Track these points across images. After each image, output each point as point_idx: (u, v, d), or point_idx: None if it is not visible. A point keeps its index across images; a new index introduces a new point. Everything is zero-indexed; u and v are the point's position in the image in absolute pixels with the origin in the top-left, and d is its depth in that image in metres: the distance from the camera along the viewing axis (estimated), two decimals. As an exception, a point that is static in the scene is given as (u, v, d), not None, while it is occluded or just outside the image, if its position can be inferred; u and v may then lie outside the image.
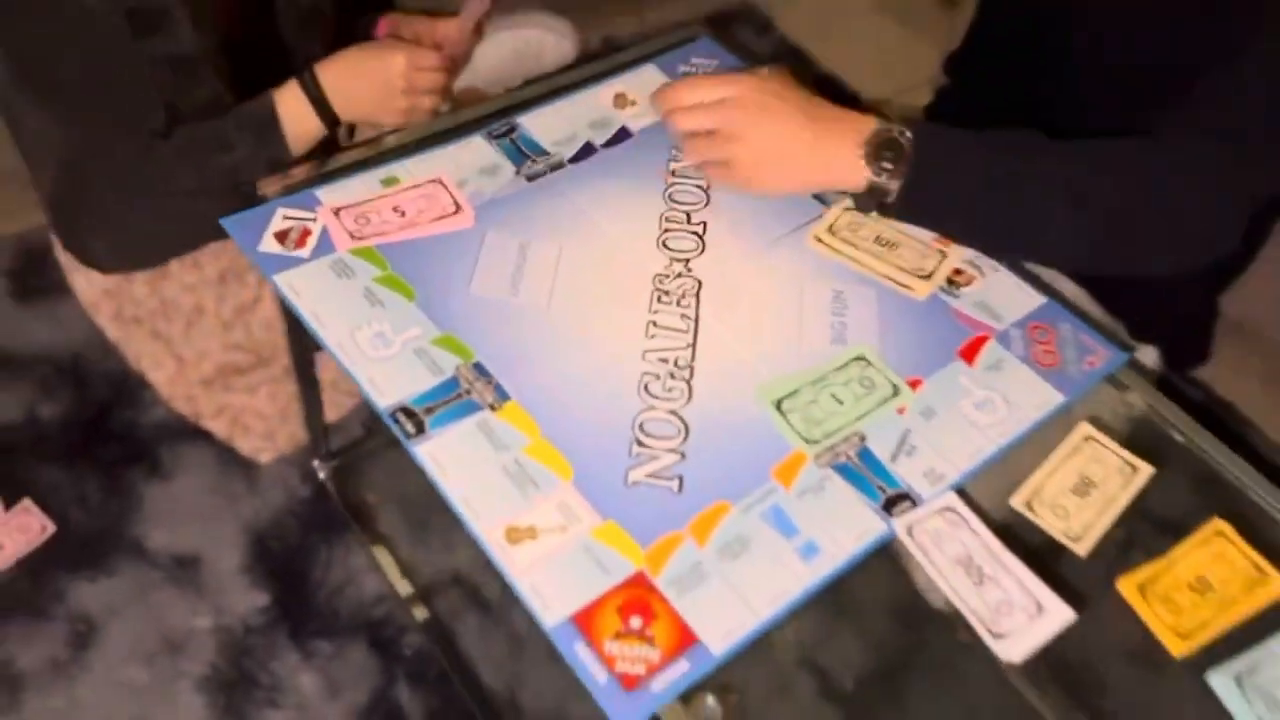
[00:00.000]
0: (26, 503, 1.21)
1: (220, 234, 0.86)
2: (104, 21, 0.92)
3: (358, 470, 1.27)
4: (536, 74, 1.83)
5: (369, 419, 1.31)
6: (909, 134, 0.82)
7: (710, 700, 0.66)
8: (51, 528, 1.19)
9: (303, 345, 1.08)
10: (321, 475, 1.25)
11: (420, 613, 1.16)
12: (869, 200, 0.85)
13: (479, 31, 1.17)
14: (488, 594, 1.18)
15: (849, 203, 0.91)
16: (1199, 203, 0.83)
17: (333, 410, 1.27)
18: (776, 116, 0.84)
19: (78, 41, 0.94)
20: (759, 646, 0.67)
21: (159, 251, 1.13)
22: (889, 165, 0.82)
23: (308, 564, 1.19)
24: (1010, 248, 0.88)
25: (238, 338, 1.24)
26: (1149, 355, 1.15)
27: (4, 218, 1.49)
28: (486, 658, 1.13)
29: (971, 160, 0.83)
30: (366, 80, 1.02)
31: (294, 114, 0.99)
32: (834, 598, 0.72)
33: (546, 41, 1.81)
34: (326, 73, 1.00)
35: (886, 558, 0.73)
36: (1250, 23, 0.84)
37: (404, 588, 1.17)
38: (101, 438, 1.27)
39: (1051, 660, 0.69)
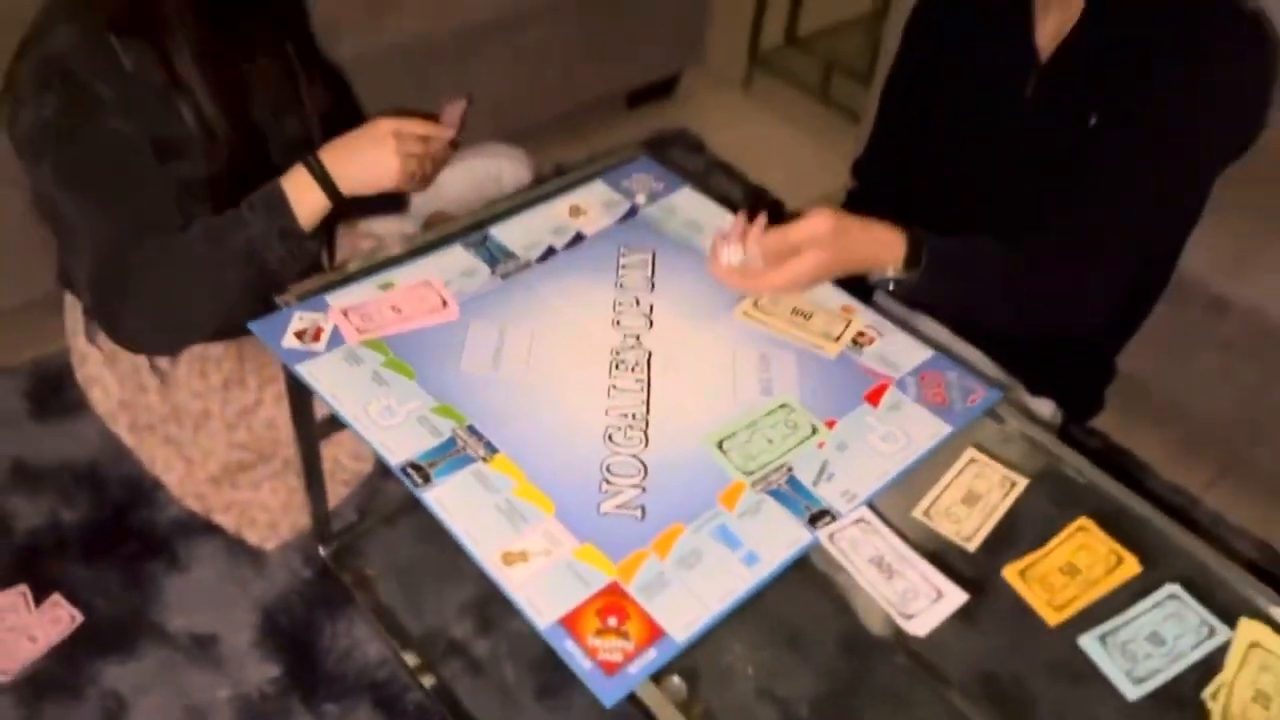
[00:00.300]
0: (56, 597, 1.33)
1: (246, 311, 1.03)
2: (135, 144, 1.10)
3: (355, 549, 1.41)
4: (497, 196, 2.04)
5: (362, 503, 1.46)
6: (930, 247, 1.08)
7: (676, 679, 0.81)
8: (80, 618, 1.32)
9: (309, 438, 1.23)
10: (324, 554, 1.39)
11: (420, 671, 1.28)
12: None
13: (455, 144, 1.33)
14: (478, 651, 1.31)
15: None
16: (1086, 285, 1.06)
17: (331, 497, 1.41)
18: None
19: (113, 155, 1.10)
20: (722, 680, 0.82)
21: (193, 329, 1.19)
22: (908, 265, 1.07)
23: (314, 636, 1.32)
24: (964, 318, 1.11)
25: (241, 438, 1.39)
26: (1046, 407, 1.34)
27: (21, 346, 1.64)
28: (481, 707, 1.26)
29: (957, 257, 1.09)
30: (360, 150, 1.13)
31: (300, 191, 1.11)
32: (789, 635, 0.87)
33: (505, 168, 2.03)
34: (326, 153, 1.13)
35: (834, 596, 0.89)
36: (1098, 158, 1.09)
37: (403, 651, 1.30)
38: (121, 535, 1.41)
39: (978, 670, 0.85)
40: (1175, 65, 1.06)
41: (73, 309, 1.39)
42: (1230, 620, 0.87)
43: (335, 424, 1.25)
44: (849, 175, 1.46)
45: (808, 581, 0.89)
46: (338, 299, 1.06)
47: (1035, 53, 1.17)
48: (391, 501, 1.47)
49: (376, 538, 1.42)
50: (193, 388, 1.36)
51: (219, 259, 1.09)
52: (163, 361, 1.36)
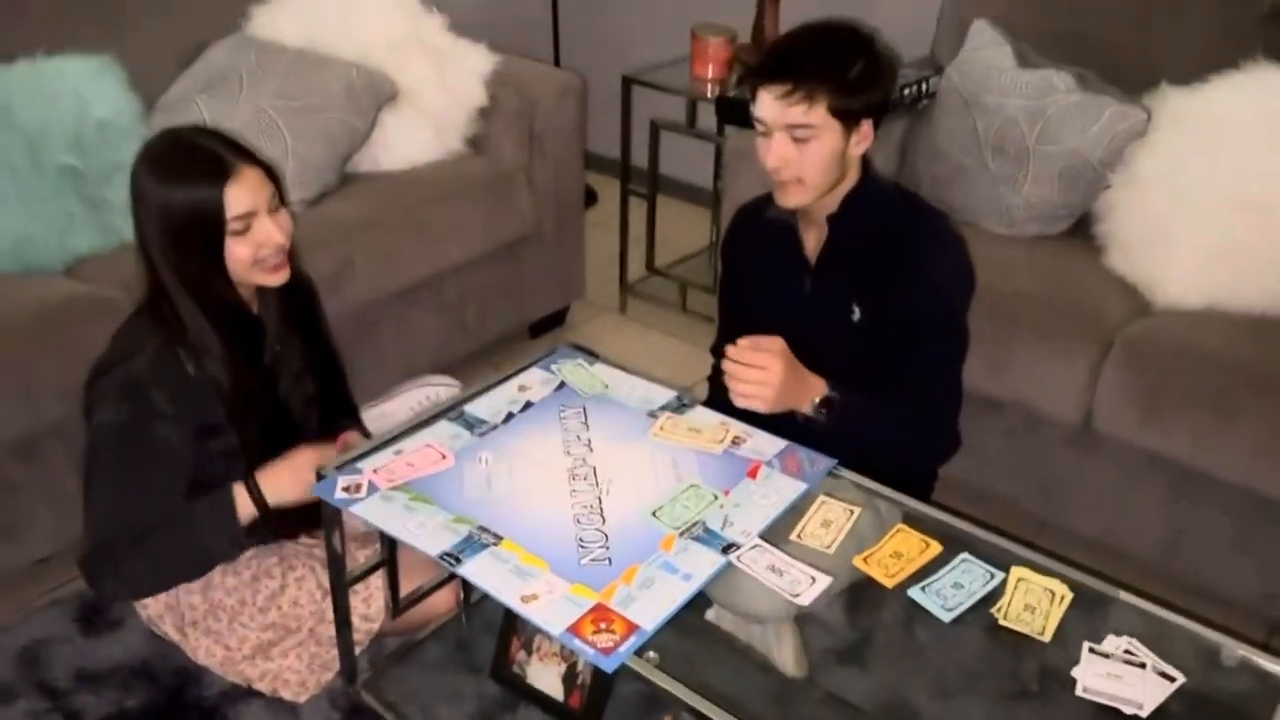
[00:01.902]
0: (130, 766, 1.61)
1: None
2: (174, 451, 1.56)
3: (376, 684, 1.74)
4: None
5: (374, 656, 1.79)
6: (835, 397, 1.54)
7: (651, 653, 1.21)
8: (154, 779, 1.60)
9: (341, 588, 1.60)
10: (354, 688, 1.71)
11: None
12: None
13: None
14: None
15: (671, 411, 1.57)
16: (941, 431, 1.59)
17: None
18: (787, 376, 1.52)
19: (152, 461, 1.55)
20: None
21: (154, 589, 1.68)
22: (823, 409, 1.54)
23: (351, 763, 1.63)
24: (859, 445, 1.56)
25: (272, 618, 1.73)
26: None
27: (69, 583, 1.96)
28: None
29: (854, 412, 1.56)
30: (286, 475, 1.61)
31: (243, 504, 1.60)
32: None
33: (441, 394, 2.48)
34: (263, 477, 1.60)
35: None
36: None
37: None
38: (179, 711, 1.70)
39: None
40: (906, 269, 1.60)
41: None
42: (1004, 569, 1.33)
43: (359, 577, 1.63)
44: (711, 355, 1.97)
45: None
46: (367, 464, 1.47)
47: (807, 260, 1.72)
48: (395, 650, 1.81)
49: (391, 675, 1.76)
50: (227, 585, 1.72)
51: (178, 549, 1.58)
52: None
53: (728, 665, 1.68)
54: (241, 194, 1.51)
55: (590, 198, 3.63)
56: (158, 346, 1.54)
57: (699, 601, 1.43)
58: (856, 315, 1.67)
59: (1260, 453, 1.75)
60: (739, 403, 1.53)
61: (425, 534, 1.35)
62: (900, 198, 1.72)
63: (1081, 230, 2.23)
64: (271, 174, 1.57)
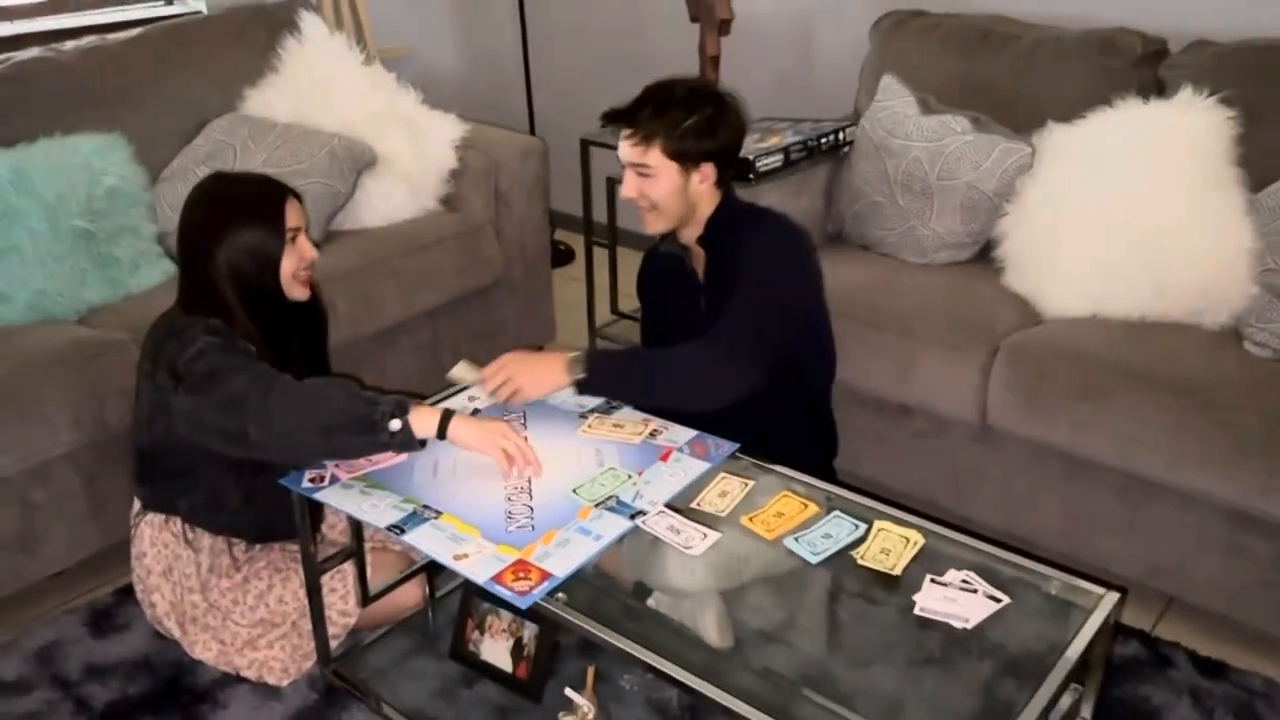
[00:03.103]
0: (132, 741, 1.83)
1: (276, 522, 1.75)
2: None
3: (348, 666, 1.95)
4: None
5: (349, 646, 2.01)
6: (585, 354, 1.78)
7: (561, 595, 1.43)
8: (152, 750, 1.81)
9: (314, 575, 1.83)
10: (332, 669, 1.93)
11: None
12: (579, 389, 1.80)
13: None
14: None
15: (598, 413, 1.82)
16: (722, 374, 1.80)
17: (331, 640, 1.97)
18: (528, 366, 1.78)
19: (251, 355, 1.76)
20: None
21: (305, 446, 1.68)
22: (580, 373, 1.77)
23: (327, 736, 1.84)
24: (640, 403, 1.81)
25: (260, 615, 1.95)
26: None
27: (80, 592, 2.20)
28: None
29: (617, 365, 1.80)
30: (483, 425, 1.68)
31: (424, 415, 1.65)
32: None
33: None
34: (457, 416, 1.67)
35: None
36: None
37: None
38: (176, 695, 1.92)
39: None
40: (741, 253, 1.87)
41: (139, 540, 1.97)
42: (870, 523, 1.55)
43: (328, 561, 1.86)
44: None
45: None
46: (333, 460, 1.72)
47: (697, 281, 1.98)
48: (367, 640, 2.03)
49: (361, 659, 1.98)
50: (222, 587, 1.94)
51: (346, 396, 1.66)
52: (203, 564, 1.94)
53: (659, 636, 1.88)
54: (292, 212, 1.85)
55: (568, 255, 3.92)
56: (218, 322, 1.77)
57: (641, 591, 1.66)
58: None
59: (1130, 436, 1.97)
60: (512, 402, 1.83)
61: (376, 512, 1.58)
62: (750, 214, 1.97)
63: (984, 255, 2.48)
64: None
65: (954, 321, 2.23)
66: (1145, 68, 2.45)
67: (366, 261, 2.60)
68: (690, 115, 1.83)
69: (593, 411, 1.85)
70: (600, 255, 3.22)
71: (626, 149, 1.86)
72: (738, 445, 1.74)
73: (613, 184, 3.13)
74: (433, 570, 2.06)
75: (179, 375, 1.71)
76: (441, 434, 1.65)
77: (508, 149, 2.88)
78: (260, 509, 1.89)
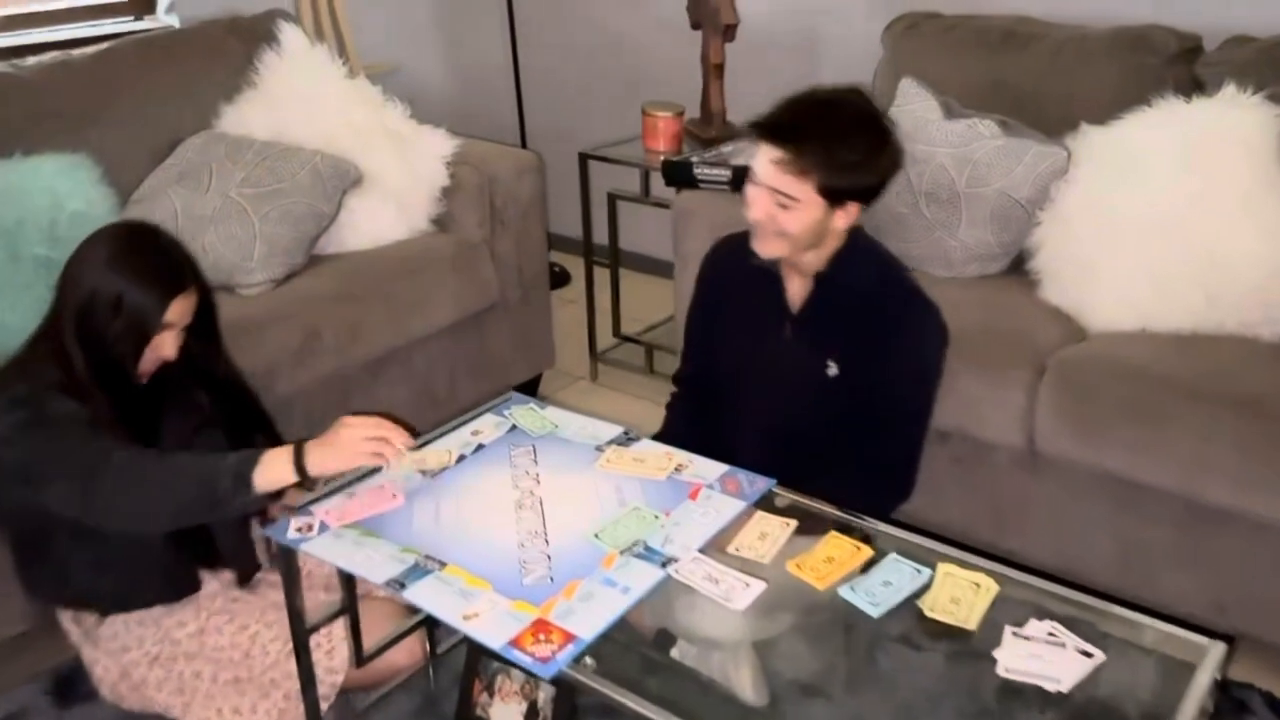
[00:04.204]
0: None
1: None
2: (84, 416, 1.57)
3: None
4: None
5: (342, 712, 1.81)
6: None
7: (589, 659, 1.25)
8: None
9: (303, 635, 1.63)
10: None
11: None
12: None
13: (414, 431, 1.80)
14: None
15: (616, 445, 1.64)
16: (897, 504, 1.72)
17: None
18: None
19: (72, 419, 1.55)
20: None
21: (153, 520, 1.56)
22: None
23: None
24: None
25: (235, 674, 1.75)
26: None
27: (43, 660, 1.99)
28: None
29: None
30: (331, 441, 1.50)
31: (275, 462, 1.49)
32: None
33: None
34: (309, 444, 1.50)
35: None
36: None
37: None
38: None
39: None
40: (887, 337, 1.69)
41: (62, 616, 1.78)
42: (932, 566, 1.37)
43: (319, 624, 1.67)
44: (672, 384, 2.03)
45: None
46: (320, 506, 1.53)
47: (788, 306, 1.78)
48: (361, 706, 1.83)
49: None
50: (189, 650, 1.74)
51: (182, 477, 1.51)
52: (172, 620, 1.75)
53: (693, 699, 1.70)
54: (176, 309, 1.64)
55: (564, 278, 3.74)
56: (31, 386, 1.59)
57: (665, 641, 1.48)
58: (833, 370, 1.74)
59: (1192, 460, 1.80)
60: None
61: (372, 564, 1.40)
62: (884, 264, 1.79)
63: (1018, 267, 2.32)
64: (207, 300, 1.72)
65: (993, 339, 2.06)
66: (1180, 65, 2.31)
67: (354, 286, 2.42)
68: (856, 150, 1.60)
69: (610, 443, 1.67)
70: (600, 275, 3.06)
71: (772, 171, 1.61)
72: (773, 481, 1.56)
73: (614, 200, 2.97)
74: (432, 622, 1.86)
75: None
76: (301, 473, 1.50)
77: (503, 165, 2.71)
78: (115, 577, 1.71)
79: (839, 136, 1.59)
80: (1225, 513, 1.82)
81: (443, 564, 1.39)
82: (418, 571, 1.38)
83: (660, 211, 3.15)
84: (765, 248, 1.69)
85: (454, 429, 1.74)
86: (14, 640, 1.99)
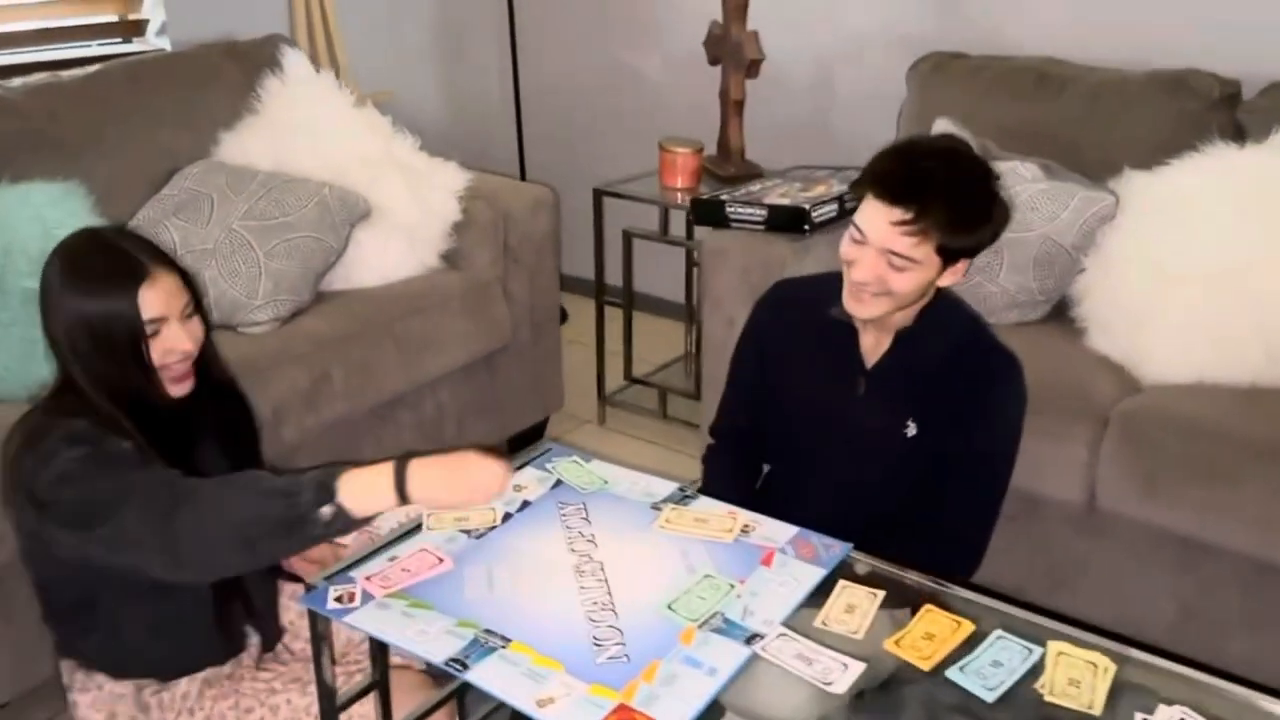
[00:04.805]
0: None
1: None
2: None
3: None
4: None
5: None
6: None
7: (681, 752, 1.12)
8: None
9: (332, 710, 1.48)
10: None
11: None
12: None
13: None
14: None
15: (674, 505, 1.52)
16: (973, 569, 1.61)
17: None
18: None
19: (132, 455, 1.39)
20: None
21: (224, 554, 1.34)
22: None
23: None
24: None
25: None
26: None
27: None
28: None
29: None
30: (449, 470, 1.35)
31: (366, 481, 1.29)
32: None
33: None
34: (418, 463, 1.33)
35: None
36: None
37: None
38: None
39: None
40: (973, 398, 1.58)
41: (68, 673, 1.61)
42: (1041, 644, 1.26)
43: (348, 704, 1.52)
44: (709, 435, 1.90)
45: None
46: (359, 572, 1.39)
47: (862, 361, 1.66)
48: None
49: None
50: None
51: (260, 494, 1.32)
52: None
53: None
54: (154, 298, 1.46)
55: (561, 316, 3.62)
56: (85, 423, 1.43)
57: (712, 712, 1.35)
58: (912, 431, 1.63)
59: (1266, 521, 1.73)
60: None
61: (427, 640, 1.26)
62: (970, 323, 1.68)
63: (1059, 315, 2.24)
64: (188, 281, 1.53)
65: (1049, 390, 1.96)
66: (1222, 111, 2.26)
67: (364, 326, 2.29)
68: (978, 208, 1.50)
69: (666, 501, 1.55)
70: (609, 315, 2.95)
71: (890, 233, 1.47)
72: (850, 546, 1.45)
73: (629, 237, 2.87)
74: (462, 689, 1.72)
75: (42, 503, 1.38)
76: (403, 497, 1.30)
77: (516, 200, 2.60)
78: (170, 640, 1.55)
79: (964, 195, 1.48)
80: (1301, 576, 1.74)
81: (506, 640, 1.25)
82: (479, 649, 1.24)
83: (672, 250, 3.07)
84: (865, 308, 1.55)
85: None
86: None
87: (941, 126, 2.37)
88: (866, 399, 1.65)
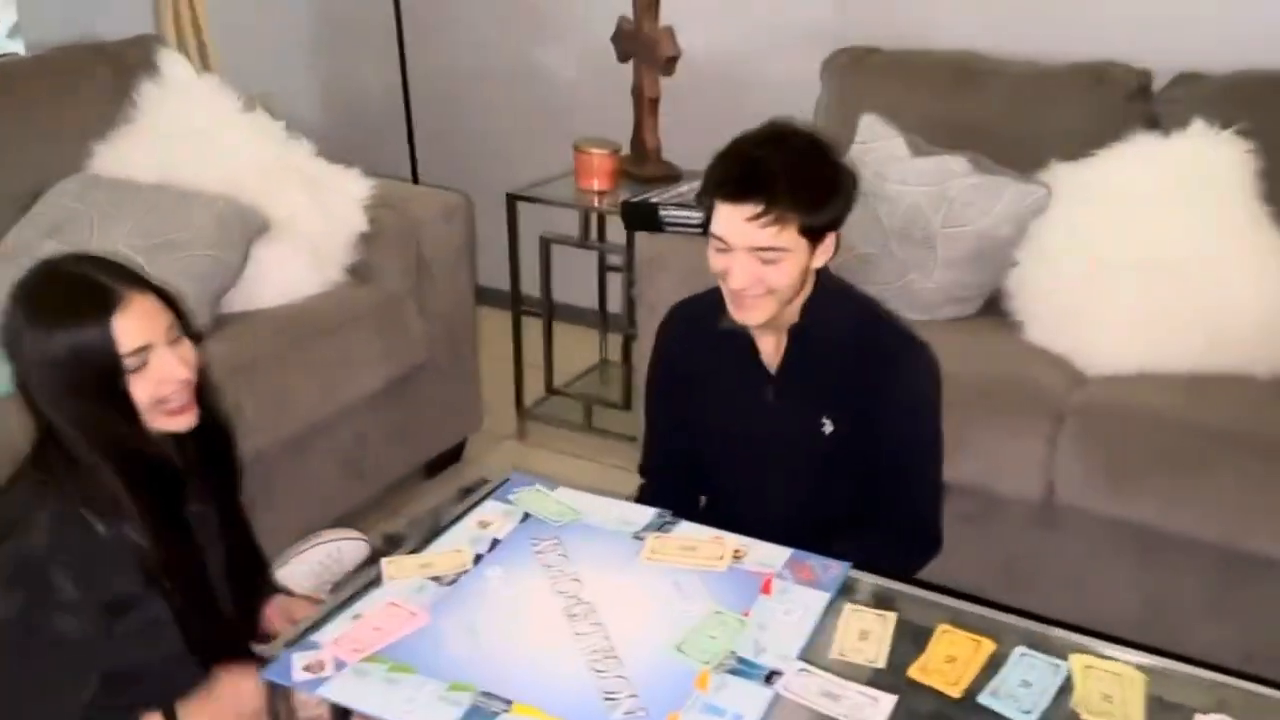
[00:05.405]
0: None
1: None
2: (75, 644, 1.24)
3: None
4: (341, 575, 2.22)
5: None
6: None
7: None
8: None
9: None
10: None
11: None
12: None
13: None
14: None
15: (656, 534, 1.41)
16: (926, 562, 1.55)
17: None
18: None
19: (49, 661, 1.24)
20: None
21: None
22: None
23: None
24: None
25: None
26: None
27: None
28: None
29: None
30: (225, 707, 1.29)
31: None
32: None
33: (344, 548, 2.22)
34: (189, 708, 1.29)
35: None
36: None
37: None
38: None
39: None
40: (880, 382, 1.53)
41: None
42: (1063, 657, 1.22)
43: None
44: (639, 475, 1.80)
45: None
46: (324, 636, 1.24)
47: (765, 368, 1.60)
48: None
49: None
50: None
51: None
52: None
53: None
54: (132, 326, 1.26)
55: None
56: (56, 511, 1.26)
57: None
58: (829, 428, 1.56)
59: (1232, 506, 1.74)
60: None
61: (419, 711, 1.12)
62: (858, 303, 1.63)
63: (991, 309, 2.24)
64: (167, 299, 1.34)
65: (998, 387, 1.96)
66: (1139, 102, 2.30)
67: (273, 349, 2.10)
68: (823, 178, 1.45)
69: (646, 529, 1.44)
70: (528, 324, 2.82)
71: (749, 230, 1.41)
72: (849, 565, 1.38)
73: (548, 244, 2.75)
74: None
75: None
76: None
77: (428, 207, 2.44)
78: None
79: (805, 172, 1.45)
80: (1265, 561, 1.76)
81: (507, 702, 1.13)
82: (481, 716, 1.11)
83: (584, 255, 2.95)
84: (752, 314, 1.50)
85: (454, 523, 1.47)
86: None
87: (867, 123, 2.33)
88: (776, 404, 1.59)
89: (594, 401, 2.82)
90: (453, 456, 2.70)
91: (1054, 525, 1.93)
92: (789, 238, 1.43)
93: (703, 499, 1.73)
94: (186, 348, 1.34)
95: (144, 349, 1.27)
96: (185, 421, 1.35)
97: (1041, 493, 1.90)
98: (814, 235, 1.46)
